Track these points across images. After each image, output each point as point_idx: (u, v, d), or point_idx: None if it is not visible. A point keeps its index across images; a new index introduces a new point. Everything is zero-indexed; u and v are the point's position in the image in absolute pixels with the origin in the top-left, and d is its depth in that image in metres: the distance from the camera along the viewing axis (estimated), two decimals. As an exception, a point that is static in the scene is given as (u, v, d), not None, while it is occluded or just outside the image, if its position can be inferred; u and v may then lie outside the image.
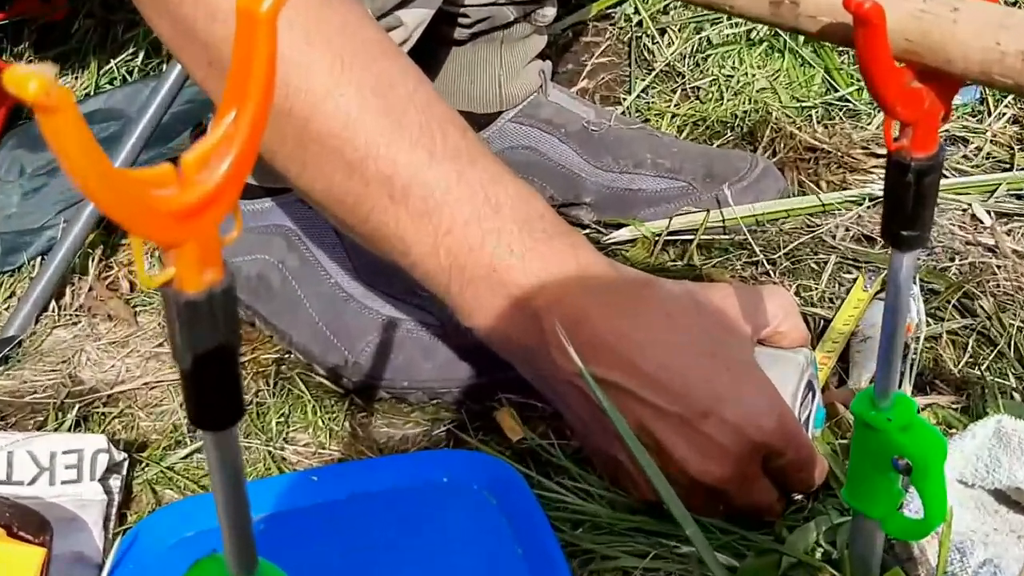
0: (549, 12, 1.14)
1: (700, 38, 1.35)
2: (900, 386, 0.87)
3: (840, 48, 1.27)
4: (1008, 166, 1.15)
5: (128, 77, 1.32)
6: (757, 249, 1.06)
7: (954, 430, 0.81)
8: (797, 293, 1.01)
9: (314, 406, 0.94)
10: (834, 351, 0.92)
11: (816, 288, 1.01)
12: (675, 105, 1.29)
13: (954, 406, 0.87)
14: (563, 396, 0.79)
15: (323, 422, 0.92)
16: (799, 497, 0.79)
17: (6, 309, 1.04)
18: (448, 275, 0.78)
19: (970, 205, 1.08)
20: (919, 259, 1.02)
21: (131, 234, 0.34)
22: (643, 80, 1.32)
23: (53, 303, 1.03)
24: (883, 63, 0.50)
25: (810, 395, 0.81)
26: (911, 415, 0.58)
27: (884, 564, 0.66)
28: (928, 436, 0.58)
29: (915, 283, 0.96)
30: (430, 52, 1.13)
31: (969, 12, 0.50)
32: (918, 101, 0.52)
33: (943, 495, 0.58)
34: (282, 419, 0.93)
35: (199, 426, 0.39)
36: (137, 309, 1.04)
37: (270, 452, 0.89)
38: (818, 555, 0.72)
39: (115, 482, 0.83)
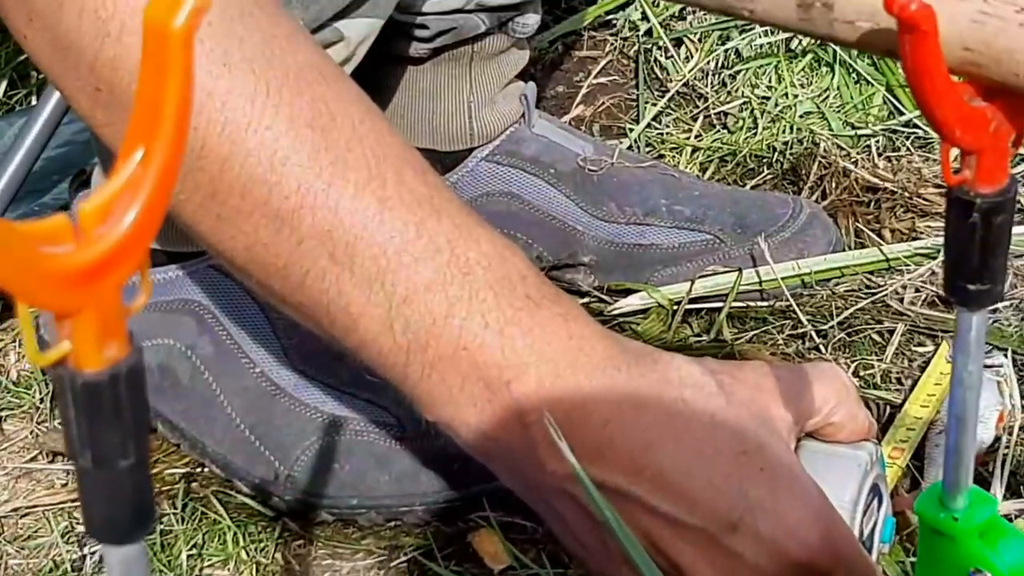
0: (531, 20, 1.17)
1: (726, 50, 1.40)
2: (991, 490, 0.91)
3: (904, 59, 1.32)
4: None
5: None
6: (804, 318, 1.09)
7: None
8: (856, 373, 1.05)
9: (236, 533, 0.96)
10: (908, 443, 0.96)
11: (880, 365, 1.05)
12: (696, 136, 1.33)
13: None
14: (556, 509, 0.81)
15: (247, 554, 0.95)
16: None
17: None
18: (406, 356, 0.80)
19: None
20: (1012, 324, 1.06)
21: (16, 301, 0.37)
22: (655, 105, 1.37)
23: None
24: (937, 77, 0.54)
25: (875, 501, 0.84)
26: (991, 516, 0.61)
27: None
28: (1013, 542, 0.61)
29: (1007, 357, 1.00)
30: (380, 74, 1.16)
31: None
32: (982, 123, 0.55)
33: (1035, 617, 0.61)
34: (194, 551, 0.95)
35: (100, 539, 0.41)
36: (2, 414, 1.07)
37: (180, 593, 0.92)
38: None
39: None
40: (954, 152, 0.56)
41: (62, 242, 0.37)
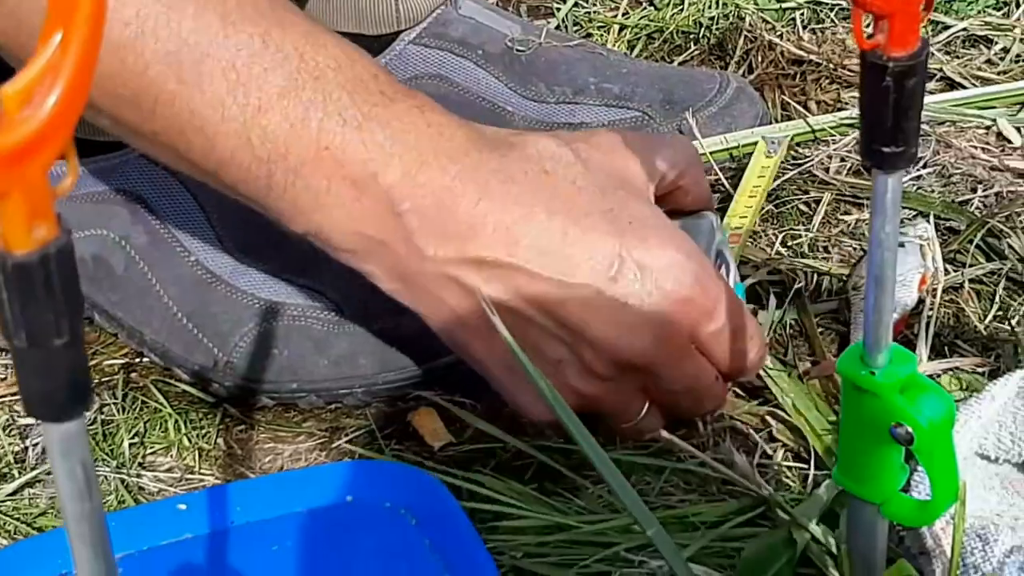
0: None
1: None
2: (916, 351, 0.93)
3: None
4: (1040, 69, 1.21)
5: None
6: (732, 189, 1.10)
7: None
8: (784, 243, 1.06)
9: (177, 421, 0.97)
10: (742, 228, 1.02)
11: (807, 235, 1.07)
12: (623, 14, 1.33)
13: (980, 369, 0.93)
14: (439, 297, 0.83)
15: (189, 440, 0.96)
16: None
17: None
18: (267, 167, 0.80)
19: (995, 121, 1.14)
20: (935, 190, 1.08)
21: None
22: None
23: None
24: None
25: (723, 268, 0.88)
26: (911, 372, 0.63)
27: (891, 556, 0.71)
28: (932, 397, 0.62)
29: (929, 222, 1.02)
30: None
31: None
32: None
33: (953, 469, 0.62)
34: (136, 439, 0.95)
35: (39, 416, 0.42)
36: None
37: (123, 480, 0.92)
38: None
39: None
40: (867, 18, 0.57)
41: (-12, 124, 0.37)
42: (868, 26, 0.58)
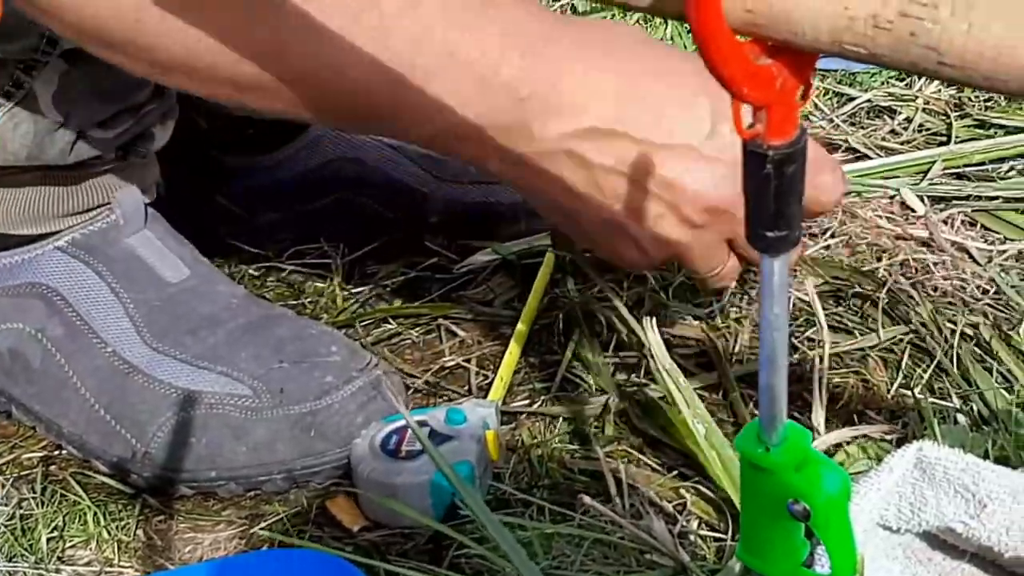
0: None
1: (562, 5, 1.43)
2: (811, 416, 0.95)
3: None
4: (944, 138, 1.23)
5: None
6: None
7: (886, 466, 0.88)
8: (696, 315, 1.08)
9: (96, 513, 0.96)
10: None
11: (718, 304, 1.08)
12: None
13: (888, 437, 0.94)
14: (550, 174, 0.87)
15: (108, 532, 0.95)
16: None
17: None
18: (394, 86, 0.83)
19: (898, 191, 1.16)
20: (843, 259, 1.09)
21: None
22: None
23: None
24: (722, 39, 0.56)
25: None
26: (805, 449, 0.63)
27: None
28: (827, 473, 0.63)
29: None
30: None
31: None
32: (769, 80, 0.57)
33: (851, 543, 0.63)
34: (55, 533, 0.95)
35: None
36: None
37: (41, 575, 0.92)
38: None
39: None
40: (746, 108, 0.59)
41: None
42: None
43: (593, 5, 1.41)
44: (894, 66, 0.56)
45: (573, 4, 1.42)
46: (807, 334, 1.03)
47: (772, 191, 0.59)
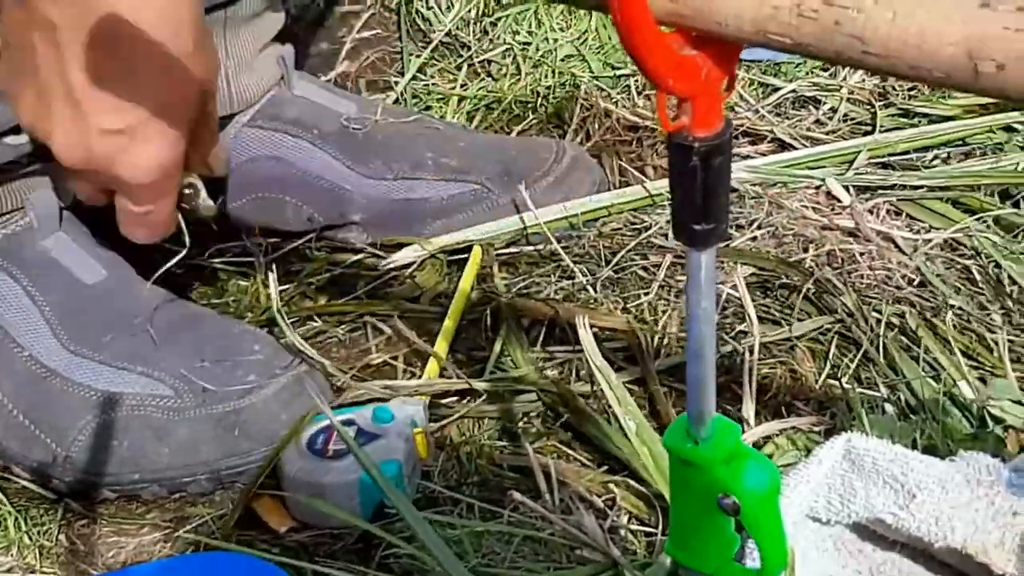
0: None
1: (484, -10, 1.41)
2: (741, 408, 0.95)
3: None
4: (869, 128, 1.24)
5: None
6: (570, 261, 1.12)
7: (815, 458, 0.88)
8: (624, 308, 1.07)
9: (16, 519, 0.95)
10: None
11: (646, 298, 1.08)
12: (462, 85, 1.34)
13: (816, 428, 0.94)
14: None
15: (30, 538, 0.94)
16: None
17: None
18: None
19: (824, 181, 1.16)
20: (770, 250, 1.10)
21: None
22: (419, 56, 1.38)
23: None
24: (646, 30, 0.55)
25: None
26: (734, 443, 0.63)
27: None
28: (756, 466, 0.63)
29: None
30: None
31: None
32: (693, 71, 0.57)
33: (780, 536, 0.63)
34: (-23, 539, 0.94)
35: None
36: None
37: (-36, 584, 0.91)
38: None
39: None
40: (671, 100, 0.58)
41: None
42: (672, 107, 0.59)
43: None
44: (819, 56, 0.56)
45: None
46: (735, 326, 1.04)
47: (699, 184, 0.59)
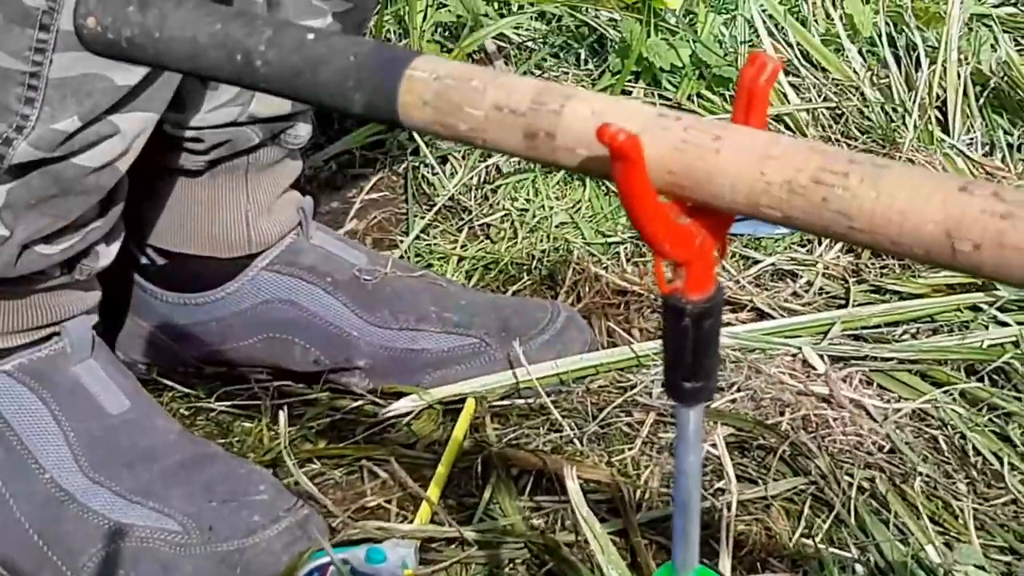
0: (302, 131, 1.18)
1: (487, 166, 1.44)
2: (718, 562, 0.94)
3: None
4: (843, 302, 1.25)
5: None
6: (559, 415, 1.12)
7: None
8: (609, 462, 1.07)
9: (23, 642, 0.94)
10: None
11: (630, 453, 1.08)
12: (462, 246, 1.35)
13: (788, 585, 0.94)
14: None
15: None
16: None
17: None
18: None
19: (800, 349, 1.17)
20: (748, 412, 1.10)
21: None
22: (423, 218, 1.39)
23: None
24: (646, 199, 0.56)
25: None
26: (716, 591, 0.63)
27: None
28: (736, 615, 0.63)
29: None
30: (159, 185, 1.16)
31: (732, 140, 0.56)
32: (688, 238, 0.58)
33: None
34: (-20, 660, 0.93)
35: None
36: None
37: None
38: None
39: None
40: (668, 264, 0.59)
41: None
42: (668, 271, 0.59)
43: (518, 165, 1.43)
44: (808, 229, 0.56)
45: (498, 165, 1.44)
46: (713, 483, 1.03)
47: (690, 343, 0.60)
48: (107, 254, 1.05)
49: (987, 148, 1.42)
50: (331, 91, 0.65)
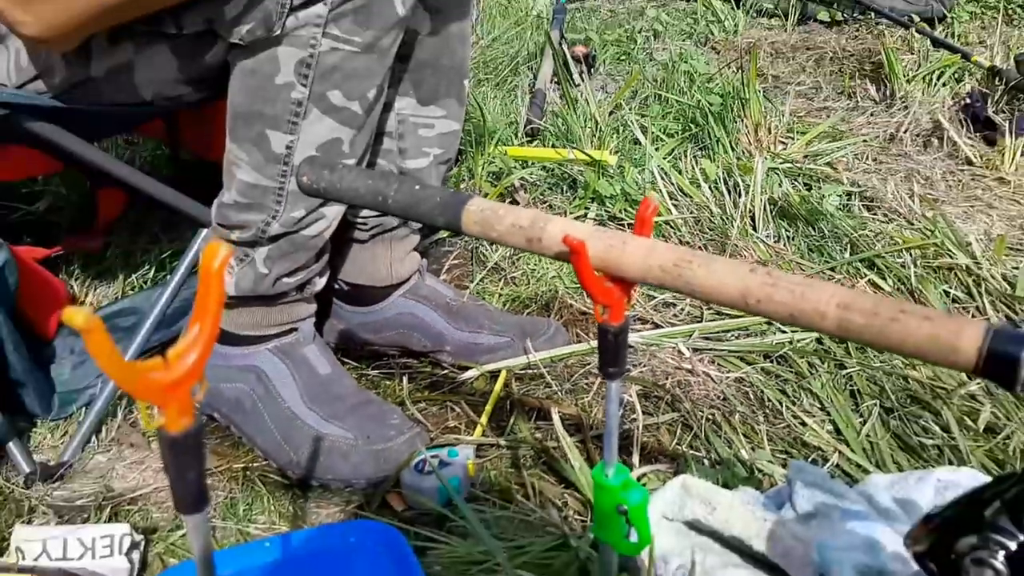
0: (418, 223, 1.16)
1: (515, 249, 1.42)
2: (630, 458, 0.93)
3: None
4: (699, 319, 1.23)
5: (144, 285, 1.31)
6: (550, 379, 1.10)
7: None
8: (576, 404, 1.05)
9: (268, 497, 0.94)
10: None
11: (586, 399, 1.06)
12: (500, 289, 1.35)
13: (668, 471, 0.93)
14: None
15: (275, 507, 0.93)
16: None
17: (62, 442, 1.02)
18: None
19: (677, 343, 1.15)
20: (647, 378, 1.09)
21: (137, 398, 0.38)
22: (480, 273, 1.38)
23: (94, 437, 1.01)
24: (589, 273, 0.57)
25: None
26: (626, 478, 0.63)
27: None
28: (637, 491, 0.63)
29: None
30: (343, 247, 1.14)
31: (633, 244, 0.57)
32: (612, 294, 0.58)
33: (647, 527, 0.63)
34: (247, 507, 0.92)
35: (181, 512, 0.42)
36: (150, 439, 1.03)
37: (239, 529, 0.89)
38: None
39: (136, 555, 0.83)
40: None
41: (159, 370, 0.38)
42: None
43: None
44: (674, 290, 0.56)
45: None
46: (629, 416, 1.01)
47: (613, 348, 0.59)
48: (320, 283, 1.04)
49: (776, 238, 1.39)
50: (427, 215, 0.65)
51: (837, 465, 0.93)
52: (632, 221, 1.44)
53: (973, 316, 1.19)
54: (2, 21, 0.68)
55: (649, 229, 0.58)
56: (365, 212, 1.12)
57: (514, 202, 1.50)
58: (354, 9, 0.83)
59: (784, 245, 1.36)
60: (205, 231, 1.00)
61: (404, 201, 0.65)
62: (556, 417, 0.97)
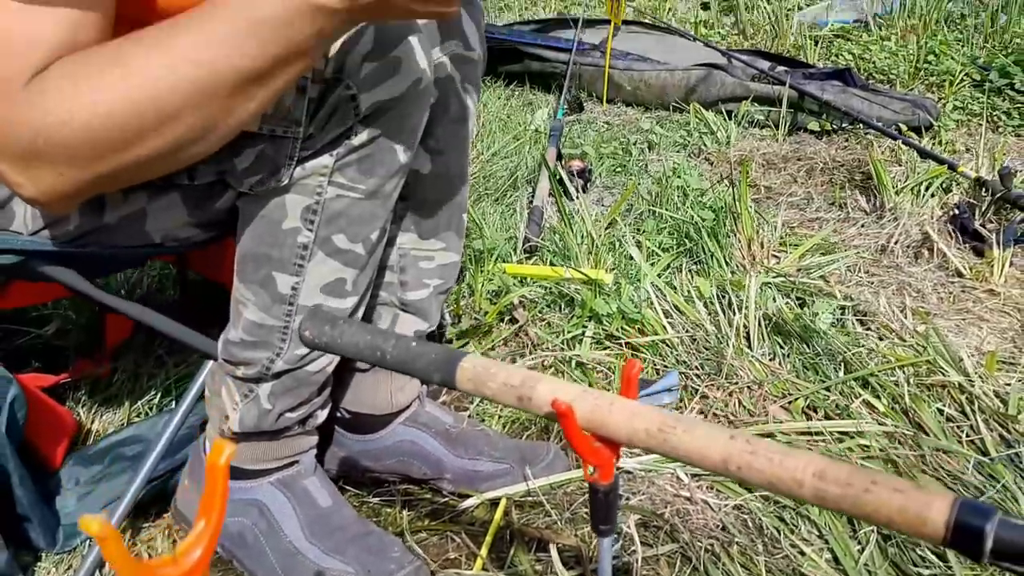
0: None
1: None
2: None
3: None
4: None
5: (149, 412, 1.31)
6: (550, 508, 1.10)
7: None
8: (574, 529, 1.05)
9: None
10: None
11: (586, 529, 1.05)
12: (500, 411, 1.34)
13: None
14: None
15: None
16: None
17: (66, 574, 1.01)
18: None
19: (675, 471, 1.14)
20: (646, 506, 1.08)
21: None
22: (480, 401, 1.38)
23: (97, 571, 1.00)
24: (577, 433, 0.60)
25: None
26: None
27: None
28: None
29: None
30: (346, 376, 1.15)
31: (618, 406, 0.60)
32: (600, 454, 0.60)
33: None
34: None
35: None
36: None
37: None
38: None
39: None
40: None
41: (168, 566, 0.40)
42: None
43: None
44: (658, 453, 0.59)
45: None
46: (628, 547, 1.01)
47: (603, 506, 0.61)
48: (322, 415, 1.04)
49: (771, 356, 1.39)
50: (422, 371, 0.68)
51: (837, 598, 0.93)
52: (629, 340, 1.44)
53: (967, 436, 1.19)
54: (2, 181, 0.71)
55: (635, 391, 0.61)
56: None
57: (513, 320, 1.51)
58: (358, 159, 0.87)
59: (779, 363, 1.36)
60: (211, 364, 1.01)
61: (400, 357, 0.68)
62: (555, 553, 0.97)
